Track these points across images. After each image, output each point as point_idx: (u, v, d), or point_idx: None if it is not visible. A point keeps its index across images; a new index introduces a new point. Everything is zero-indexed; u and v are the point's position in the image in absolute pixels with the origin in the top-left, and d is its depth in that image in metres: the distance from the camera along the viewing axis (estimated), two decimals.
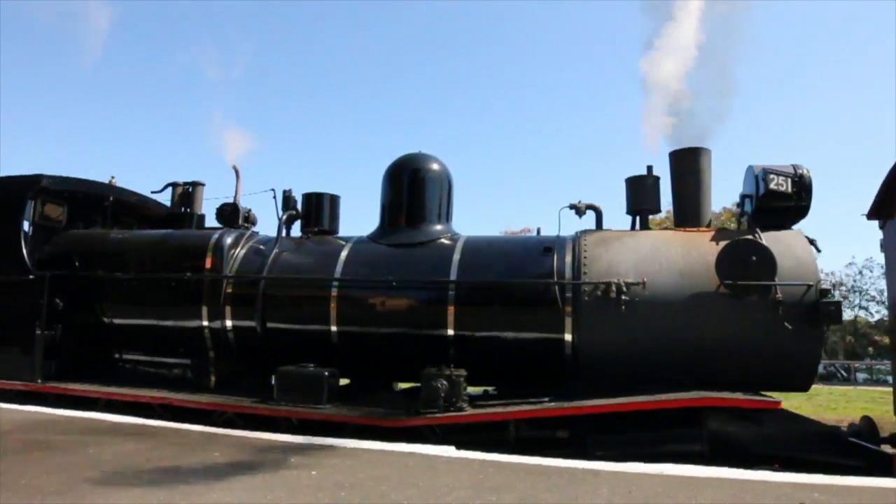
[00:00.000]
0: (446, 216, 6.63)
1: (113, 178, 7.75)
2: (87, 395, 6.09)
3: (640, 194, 6.16)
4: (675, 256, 5.44)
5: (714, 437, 5.00)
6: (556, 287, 5.46)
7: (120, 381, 6.41)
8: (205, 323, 6.34)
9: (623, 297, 5.22)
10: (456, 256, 5.92)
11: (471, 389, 6.37)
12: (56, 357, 6.51)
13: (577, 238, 5.83)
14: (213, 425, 5.53)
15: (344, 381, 6.79)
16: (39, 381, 6.28)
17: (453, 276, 5.77)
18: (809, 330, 5.02)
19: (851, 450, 5.06)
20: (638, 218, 6.15)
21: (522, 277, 5.64)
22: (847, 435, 5.28)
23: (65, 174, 7.19)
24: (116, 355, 6.94)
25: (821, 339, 5.10)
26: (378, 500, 3.17)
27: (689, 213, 5.98)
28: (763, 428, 5.28)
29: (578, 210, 6.24)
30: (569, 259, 5.63)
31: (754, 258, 5.10)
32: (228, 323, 6.30)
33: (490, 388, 6.39)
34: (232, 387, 6.32)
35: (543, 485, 3.53)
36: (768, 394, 5.62)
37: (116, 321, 6.73)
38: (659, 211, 6.23)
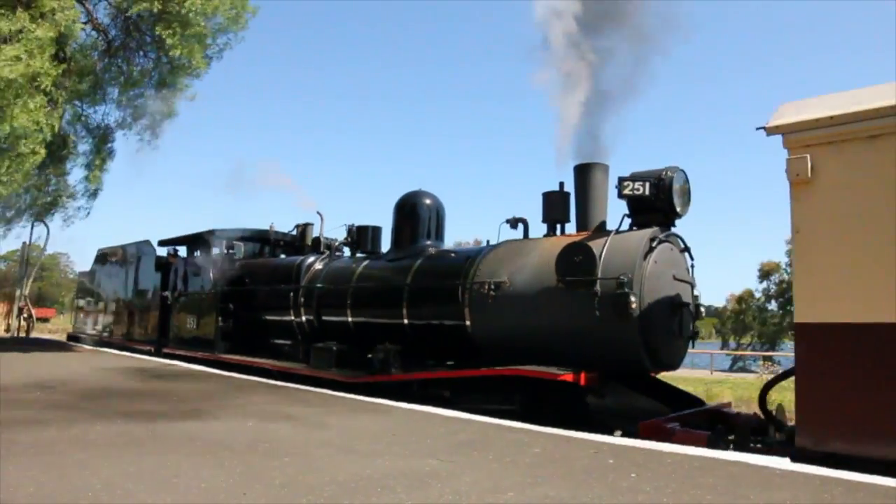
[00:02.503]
0: (436, 236, 8.84)
1: (272, 224, 11.82)
2: (231, 360, 9.97)
3: (551, 206, 7.49)
4: (538, 258, 6.81)
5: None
6: (459, 286, 7.32)
7: (259, 355, 10.15)
8: (292, 318, 9.72)
9: (491, 293, 6.88)
10: (415, 265, 8.15)
11: None
12: (229, 340, 10.62)
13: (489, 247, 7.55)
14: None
15: None
16: (217, 353, 10.41)
17: (408, 281, 8.03)
18: (618, 320, 5.95)
19: None
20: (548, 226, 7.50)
21: (445, 279, 7.59)
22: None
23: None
24: (269, 339, 10.81)
25: (629, 328, 5.92)
26: None
27: (581, 220, 7.14)
28: (605, 400, 6.37)
29: (512, 223, 7.86)
30: (475, 263, 7.40)
31: (579, 258, 6.27)
32: (303, 318, 9.56)
33: None
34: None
35: None
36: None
37: (260, 317, 10.58)
38: (568, 220, 7.43)
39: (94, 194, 15.02)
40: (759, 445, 5.42)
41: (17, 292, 22.60)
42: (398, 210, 9.02)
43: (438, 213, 8.90)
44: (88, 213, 15.10)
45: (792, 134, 4.72)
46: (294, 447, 4.25)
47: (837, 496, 3.24)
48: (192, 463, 3.75)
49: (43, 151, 10.50)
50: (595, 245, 6.34)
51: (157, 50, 12.76)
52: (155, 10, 10.87)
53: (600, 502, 3.08)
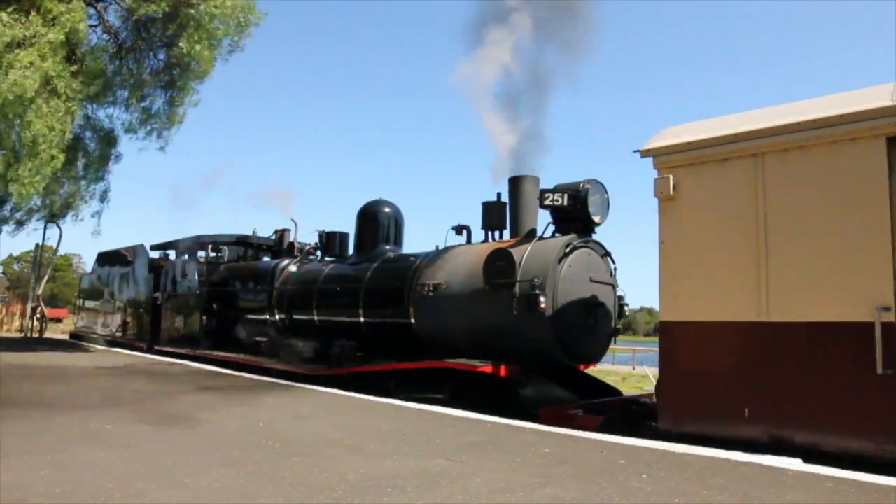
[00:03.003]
0: (394, 241, 9.63)
1: (255, 229, 12.67)
2: (211, 356, 10.83)
3: (489, 215, 8.22)
4: (471, 263, 7.55)
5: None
6: (405, 287, 8.08)
7: (238, 350, 10.98)
8: (267, 316, 10.55)
9: (430, 294, 7.63)
10: (371, 268, 8.92)
11: None
12: (212, 337, 11.48)
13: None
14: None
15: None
16: (200, 350, 11.27)
17: (364, 283, 8.81)
18: (532, 318, 6.65)
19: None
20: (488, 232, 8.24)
21: (394, 281, 8.36)
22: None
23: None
24: (248, 336, 11.65)
25: (542, 326, 6.62)
26: None
27: (513, 227, 7.87)
28: (526, 391, 7.09)
29: (457, 230, 8.62)
30: (420, 267, 8.16)
31: (502, 263, 7.00)
32: (277, 316, 10.39)
33: None
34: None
35: None
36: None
37: (241, 316, 11.42)
38: (505, 227, 8.14)
39: (102, 197, 15.07)
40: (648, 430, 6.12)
41: (31, 293, 23.65)
42: (360, 217, 9.80)
43: (397, 220, 9.67)
44: (100, 218, 15.32)
45: (660, 156, 5.43)
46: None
47: (850, 497, 3.22)
48: None
49: (62, 156, 10.76)
50: (517, 251, 7.06)
51: (167, 50, 12.57)
52: (164, 10, 10.97)
53: (611, 502, 3.08)
